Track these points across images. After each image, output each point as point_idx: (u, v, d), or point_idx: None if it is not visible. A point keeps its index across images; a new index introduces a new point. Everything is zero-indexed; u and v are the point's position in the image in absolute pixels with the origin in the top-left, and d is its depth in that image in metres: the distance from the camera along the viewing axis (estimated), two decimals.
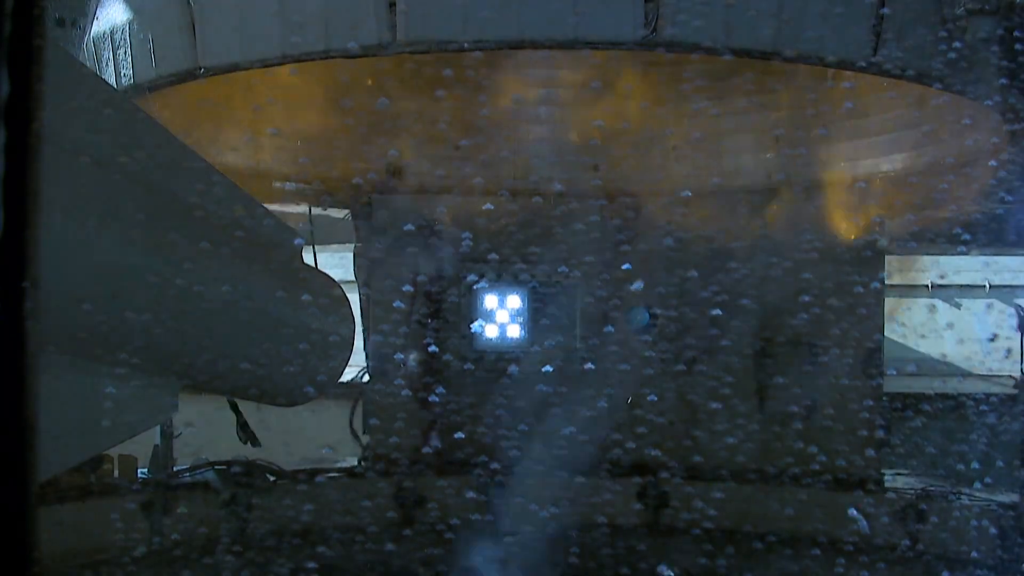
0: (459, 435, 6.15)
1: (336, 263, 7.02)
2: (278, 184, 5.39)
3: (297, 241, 4.09)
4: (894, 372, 6.41)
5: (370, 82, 5.09)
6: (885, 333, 6.38)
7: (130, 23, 3.82)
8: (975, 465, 5.67)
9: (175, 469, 5.89)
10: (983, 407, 5.89)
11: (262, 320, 3.39)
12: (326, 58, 3.71)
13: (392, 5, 3.37)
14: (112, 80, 3.86)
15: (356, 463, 6.49)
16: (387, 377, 6.73)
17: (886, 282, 6.49)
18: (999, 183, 4.26)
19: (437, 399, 6.44)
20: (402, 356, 6.71)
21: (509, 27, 3.38)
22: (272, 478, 5.47)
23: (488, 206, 6.50)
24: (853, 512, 5.46)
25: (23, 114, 0.84)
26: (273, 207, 6.00)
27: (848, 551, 5.53)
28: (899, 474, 6.10)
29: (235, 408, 5.31)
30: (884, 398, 6.21)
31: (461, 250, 6.47)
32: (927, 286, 7.13)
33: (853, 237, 5.98)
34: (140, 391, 2.54)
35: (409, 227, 6.85)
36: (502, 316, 6.93)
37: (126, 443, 4.10)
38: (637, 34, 3.35)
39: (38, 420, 0.87)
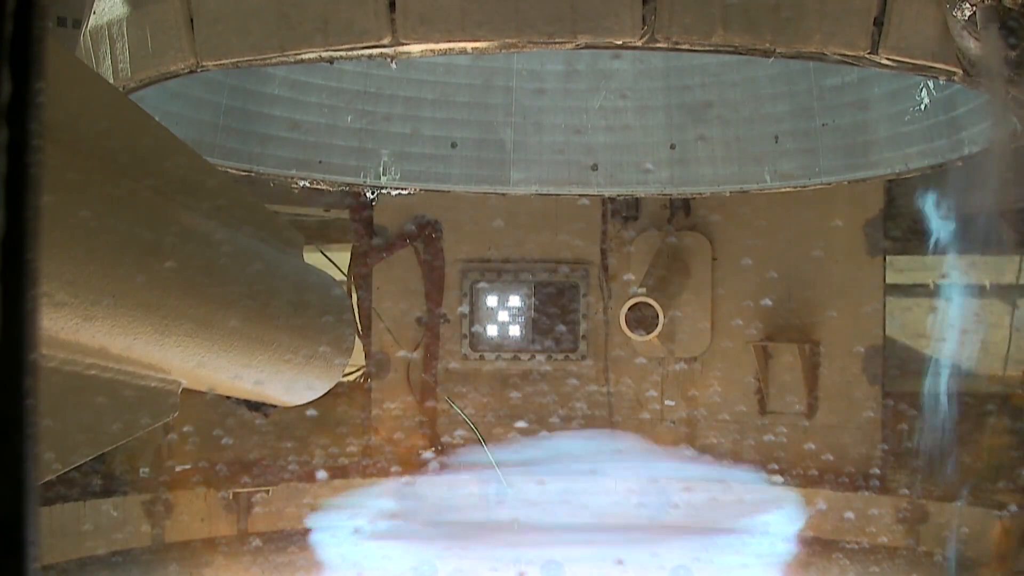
0: None
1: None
2: (293, 185, 5.39)
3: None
4: None
5: None
6: None
7: (128, 17, 3.81)
8: None
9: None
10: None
11: (262, 319, 3.39)
12: (327, 60, 3.71)
13: (392, 5, 3.37)
14: (109, 76, 3.85)
15: None
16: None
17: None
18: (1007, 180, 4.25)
19: None
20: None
21: (507, 27, 3.38)
22: None
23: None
24: None
25: (24, 113, 0.84)
26: (277, 207, 6.03)
27: None
28: None
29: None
30: None
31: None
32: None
33: None
34: (141, 391, 2.54)
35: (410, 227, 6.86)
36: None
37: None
38: (635, 34, 3.35)
39: (38, 420, 0.87)
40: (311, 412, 5.42)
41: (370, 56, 3.57)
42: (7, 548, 0.83)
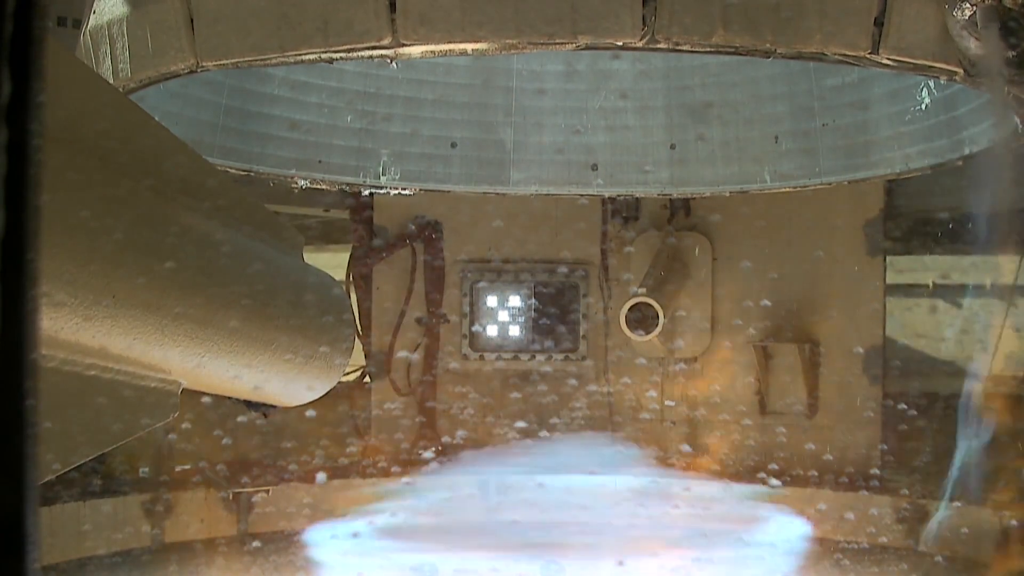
0: None
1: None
2: (293, 185, 5.39)
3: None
4: None
5: None
6: None
7: (128, 17, 3.81)
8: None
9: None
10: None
11: (262, 319, 3.39)
12: (327, 60, 3.71)
13: (392, 5, 3.36)
14: (109, 76, 3.85)
15: None
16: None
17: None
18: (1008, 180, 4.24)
19: None
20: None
21: (508, 27, 3.38)
22: None
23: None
24: None
25: (24, 113, 0.84)
26: (277, 207, 6.03)
27: None
28: None
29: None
30: None
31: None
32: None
33: None
34: (141, 391, 2.54)
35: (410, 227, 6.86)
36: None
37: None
38: (636, 35, 3.34)
39: (38, 420, 0.87)
40: (311, 412, 5.43)
41: (370, 57, 3.57)
42: (7, 548, 0.83)
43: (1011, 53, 3.29)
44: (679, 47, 3.43)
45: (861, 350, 6.44)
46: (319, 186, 5.49)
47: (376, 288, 6.92)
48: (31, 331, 0.85)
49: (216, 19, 3.58)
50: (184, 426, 5.78)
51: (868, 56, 3.47)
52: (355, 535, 5.89)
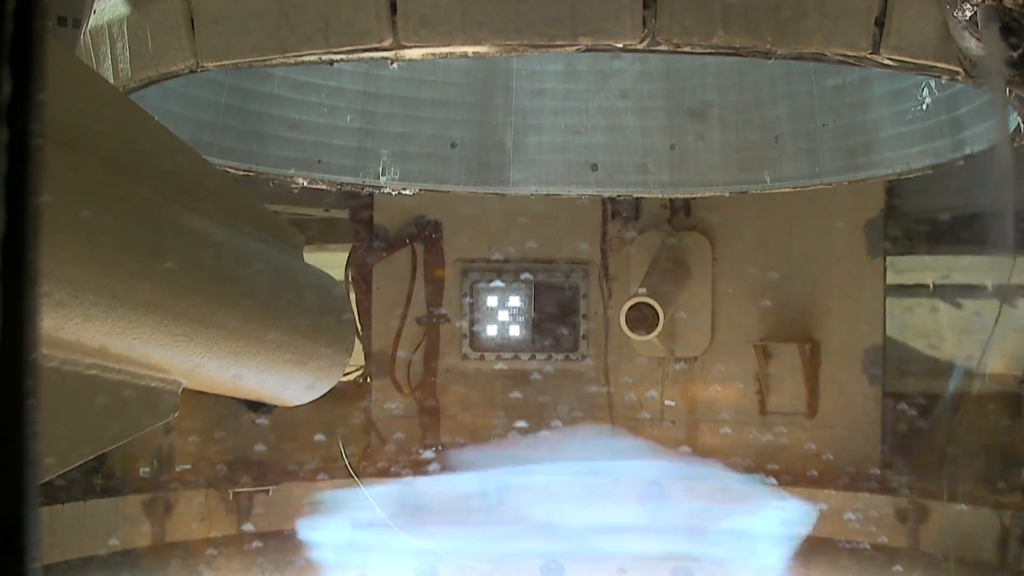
0: None
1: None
2: (292, 184, 5.39)
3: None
4: None
5: None
6: None
7: (128, 17, 3.81)
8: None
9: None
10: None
11: (262, 319, 3.39)
12: (327, 61, 3.71)
13: (393, 7, 3.36)
14: (109, 76, 3.85)
15: None
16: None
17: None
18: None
19: None
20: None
21: (508, 29, 3.38)
22: None
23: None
24: None
25: (24, 113, 0.84)
26: (277, 207, 6.03)
27: None
28: None
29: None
30: None
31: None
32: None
33: None
34: (141, 391, 2.54)
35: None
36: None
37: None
38: (636, 36, 3.34)
39: (38, 420, 0.87)
40: (311, 413, 5.43)
41: (371, 58, 3.57)
42: (7, 548, 0.83)
43: (1012, 53, 3.29)
44: (679, 48, 3.43)
45: (861, 350, 6.44)
46: (319, 186, 5.48)
47: (376, 288, 6.92)
48: (31, 331, 0.85)
49: (216, 19, 3.58)
50: (185, 428, 5.78)
51: (868, 56, 3.47)
52: (355, 533, 5.89)
